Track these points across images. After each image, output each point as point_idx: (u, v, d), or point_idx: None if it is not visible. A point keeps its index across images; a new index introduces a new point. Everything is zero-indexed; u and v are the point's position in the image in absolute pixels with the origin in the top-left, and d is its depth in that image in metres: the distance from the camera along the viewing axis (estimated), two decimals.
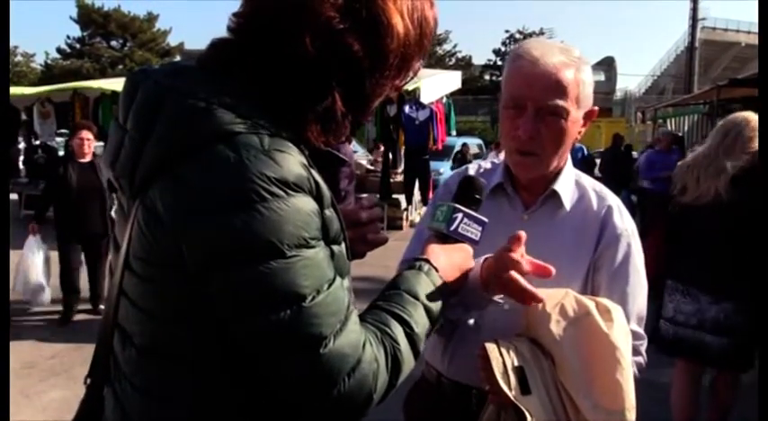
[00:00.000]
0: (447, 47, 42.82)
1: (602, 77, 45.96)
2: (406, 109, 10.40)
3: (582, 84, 1.35)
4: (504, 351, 1.27)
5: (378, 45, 0.94)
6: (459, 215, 1.19)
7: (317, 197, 0.90)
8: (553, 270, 1.23)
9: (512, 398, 1.23)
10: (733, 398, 3.14)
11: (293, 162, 0.87)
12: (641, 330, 1.41)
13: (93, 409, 1.02)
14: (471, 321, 1.43)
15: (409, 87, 10.69)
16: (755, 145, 2.79)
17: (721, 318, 2.85)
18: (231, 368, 0.91)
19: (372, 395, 0.90)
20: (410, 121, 10.42)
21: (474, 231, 1.20)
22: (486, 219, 1.21)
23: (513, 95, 1.36)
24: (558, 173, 1.45)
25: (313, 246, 0.87)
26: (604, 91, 42.65)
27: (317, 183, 0.90)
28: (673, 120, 21.31)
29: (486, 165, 1.60)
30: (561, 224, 1.44)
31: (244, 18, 0.95)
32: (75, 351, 4.77)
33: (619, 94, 44.04)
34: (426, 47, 1.02)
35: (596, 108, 1.44)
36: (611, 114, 35.43)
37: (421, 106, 10.45)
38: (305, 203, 0.87)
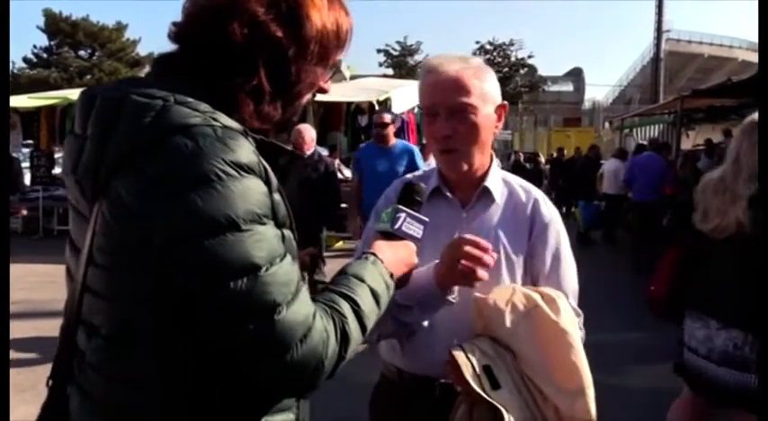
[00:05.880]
0: (418, 58, 43.12)
1: (570, 88, 46.69)
2: None
3: (483, 81, 1.54)
4: (469, 354, 1.38)
5: (298, 33, 1.08)
6: (402, 215, 1.29)
7: (266, 182, 1.00)
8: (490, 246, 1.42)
9: (485, 396, 1.32)
10: None
11: (245, 148, 0.97)
12: (577, 307, 1.60)
13: (57, 410, 1.06)
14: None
15: (380, 98, 10.74)
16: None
17: (730, 349, 2.38)
18: (193, 350, 0.98)
19: (324, 362, 0.97)
20: None
21: (416, 230, 1.30)
22: (427, 219, 1.32)
23: (426, 104, 1.57)
24: (486, 172, 1.63)
25: (265, 223, 0.97)
26: (573, 101, 43.26)
27: (265, 168, 1.01)
28: (639, 129, 21.72)
29: (419, 173, 1.78)
30: (497, 217, 1.61)
31: (182, 24, 1.09)
32: (42, 366, 4.67)
33: (587, 104, 44.70)
34: (344, 42, 1.17)
35: (506, 103, 1.63)
36: (579, 124, 35.95)
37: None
38: (256, 185, 0.97)
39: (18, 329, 5.53)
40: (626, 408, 3.24)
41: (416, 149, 5.86)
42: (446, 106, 1.51)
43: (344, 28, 1.15)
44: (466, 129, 1.52)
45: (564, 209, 14.51)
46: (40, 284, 7.04)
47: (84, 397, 1.03)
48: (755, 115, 2.45)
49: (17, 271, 5.61)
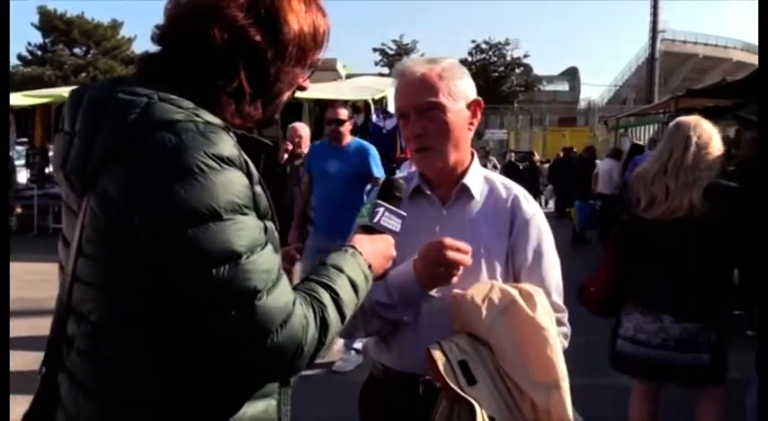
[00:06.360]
0: (414, 56, 43.09)
1: (566, 87, 46.73)
2: (374, 118, 10.45)
3: (450, 80, 1.57)
4: (446, 349, 1.41)
5: (276, 37, 1.11)
6: (381, 209, 1.33)
7: (248, 174, 1.04)
8: (470, 249, 1.46)
9: (459, 391, 1.34)
10: None
11: (227, 141, 1.01)
12: (561, 302, 1.62)
13: (48, 397, 1.10)
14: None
15: (376, 96, 10.74)
16: (712, 149, 2.70)
17: (685, 336, 2.72)
18: (177, 337, 1.02)
19: (303, 347, 1.01)
20: (377, 130, 10.48)
21: (394, 223, 1.34)
22: (405, 214, 1.36)
23: (397, 107, 1.63)
24: (465, 170, 1.65)
25: (246, 213, 1.01)
26: (568, 100, 43.29)
27: (246, 161, 1.05)
28: (634, 129, 21.78)
29: (403, 174, 1.81)
30: (477, 214, 1.63)
31: (165, 26, 1.12)
32: (38, 366, 4.65)
33: (582, 104, 44.71)
34: (321, 43, 1.20)
35: (480, 99, 1.64)
36: (575, 123, 35.98)
37: (388, 115, 10.51)
38: (237, 177, 1.01)
39: (13, 328, 5.50)
40: (618, 408, 3.25)
41: (374, 150, 5.07)
42: (414, 107, 1.56)
43: (321, 29, 1.19)
44: (435, 127, 1.56)
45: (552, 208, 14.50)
46: (35, 282, 6.98)
47: (72, 383, 1.07)
48: (681, 118, 2.87)
49: (12, 269, 5.57)
